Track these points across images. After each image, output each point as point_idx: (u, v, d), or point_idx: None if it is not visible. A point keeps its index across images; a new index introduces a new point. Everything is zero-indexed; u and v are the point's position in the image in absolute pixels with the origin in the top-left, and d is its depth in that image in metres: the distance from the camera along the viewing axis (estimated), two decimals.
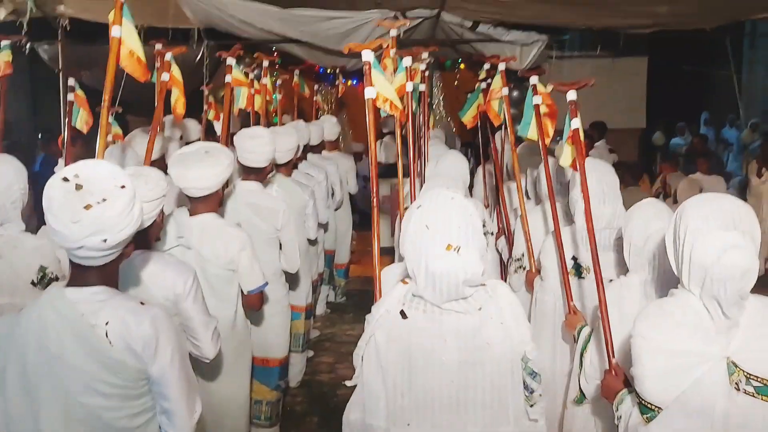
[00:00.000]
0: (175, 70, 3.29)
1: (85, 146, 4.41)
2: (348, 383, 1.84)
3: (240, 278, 2.84)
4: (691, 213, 1.71)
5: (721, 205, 1.70)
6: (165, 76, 3.27)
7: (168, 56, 3.29)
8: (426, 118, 4.17)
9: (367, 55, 2.30)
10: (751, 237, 1.65)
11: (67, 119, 3.66)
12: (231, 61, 3.92)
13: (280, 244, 3.46)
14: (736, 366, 1.65)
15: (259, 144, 3.34)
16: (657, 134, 9.34)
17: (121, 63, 2.47)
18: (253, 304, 2.93)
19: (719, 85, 9.97)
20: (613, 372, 2.08)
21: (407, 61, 2.97)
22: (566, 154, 2.57)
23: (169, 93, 3.38)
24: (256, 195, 3.39)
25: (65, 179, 1.62)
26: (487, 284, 1.80)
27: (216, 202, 2.83)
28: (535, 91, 3.06)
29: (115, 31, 2.42)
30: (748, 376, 1.64)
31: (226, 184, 2.92)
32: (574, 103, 2.52)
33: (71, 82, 3.63)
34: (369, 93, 2.30)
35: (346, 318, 5.63)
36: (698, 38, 7.15)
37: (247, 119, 4.90)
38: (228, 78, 3.88)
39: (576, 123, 2.50)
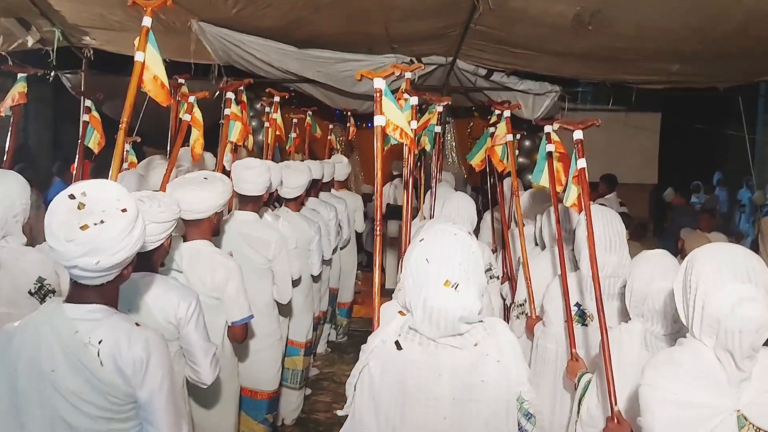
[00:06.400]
0: (197, 113, 3.41)
1: (98, 173, 4.47)
2: (340, 413, 1.81)
3: (225, 308, 2.82)
4: (702, 264, 1.67)
5: (733, 257, 1.66)
6: (186, 117, 3.39)
7: (192, 99, 3.43)
8: (437, 160, 4.19)
9: (379, 83, 2.27)
10: (765, 290, 1.61)
11: (80, 140, 3.74)
12: (230, 95, 4.00)
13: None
14: (746, 419, 1.60)
15: (253, 174, 3.39)
16: (668, 191, 9.26)
17: (145, 87, 2.51)
18: (237, 336, 2.88)
19: (733, 146, 9.95)
20: (616, 419, 2.02)
21: (414, 100, 2.96)
22: (571, 194, 2.54)
23: (188, 130, 3.48)
24: (250, 225, 3.41)
25: (71, 196, 1.65)
26: (486, 321, 1.77)
27: (209, 229, 2.86)
28: (548, 139, 3.04)
29: (138, 56, 2.46)
30: (758, 430, 1.60)
31: (223, 213, 2.92)
32: (580, 142, 2.49)
33: (88, 103, 3.71)
34: (378, 121, 2.28)
35: (347, 358, 5.56)
36: (712, 98, 7.18)
37: (259, 155, 4.96)
38: (227, 111, 3.96)
39: (582, 163, 2.46)
